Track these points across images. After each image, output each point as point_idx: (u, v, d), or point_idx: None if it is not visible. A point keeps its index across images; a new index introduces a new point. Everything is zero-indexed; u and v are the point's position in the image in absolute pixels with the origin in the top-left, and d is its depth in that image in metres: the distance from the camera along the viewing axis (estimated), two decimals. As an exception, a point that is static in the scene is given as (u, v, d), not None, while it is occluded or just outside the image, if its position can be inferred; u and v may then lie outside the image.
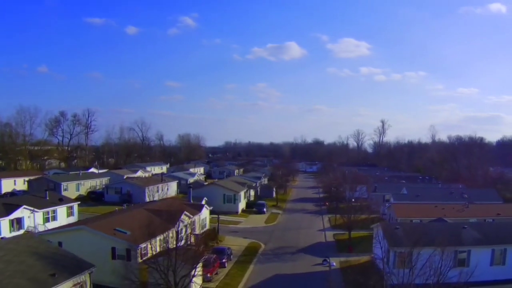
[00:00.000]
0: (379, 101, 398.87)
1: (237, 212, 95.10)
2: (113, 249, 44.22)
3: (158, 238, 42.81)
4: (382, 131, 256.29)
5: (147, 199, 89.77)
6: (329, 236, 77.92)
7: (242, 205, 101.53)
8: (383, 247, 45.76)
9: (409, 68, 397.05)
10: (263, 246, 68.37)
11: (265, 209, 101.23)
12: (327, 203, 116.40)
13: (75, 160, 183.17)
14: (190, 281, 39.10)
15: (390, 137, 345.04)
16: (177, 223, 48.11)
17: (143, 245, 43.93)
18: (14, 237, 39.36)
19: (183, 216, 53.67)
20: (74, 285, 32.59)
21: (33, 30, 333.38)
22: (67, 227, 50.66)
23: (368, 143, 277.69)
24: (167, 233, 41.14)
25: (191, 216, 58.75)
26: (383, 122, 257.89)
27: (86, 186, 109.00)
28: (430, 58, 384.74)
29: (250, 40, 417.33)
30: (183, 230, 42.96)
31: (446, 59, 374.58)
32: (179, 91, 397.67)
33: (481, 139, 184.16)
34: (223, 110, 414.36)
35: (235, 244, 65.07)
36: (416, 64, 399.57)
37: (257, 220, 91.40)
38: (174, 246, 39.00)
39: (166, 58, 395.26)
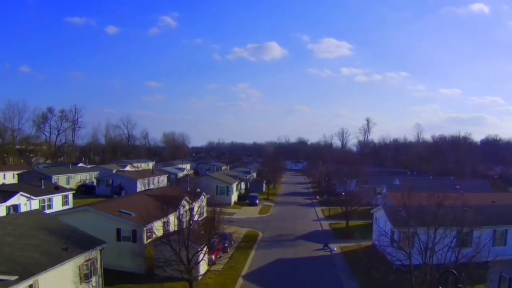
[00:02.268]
0: (360, 102, 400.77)
1: (229, 204, 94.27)
2: (118, 230, 43.71)
3: (162, 220, 42.12)
4: (367, 129, 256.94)
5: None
6: (325, 225, 77.84)
7: (234, 197, 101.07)
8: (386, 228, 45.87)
9: (390, 69, 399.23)
10: (261, 234, 68.03)
11: (257, 201, 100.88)
12: (318, 197, 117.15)
13: (61, 158, 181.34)
14: (203, 258, 38.99)
15: (374, 136, 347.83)
16: (180, 207, 47.79)
17: (148, 226, 43.39)
18: (23, 213, 38.63)
19: (183, 202, 53.11)
20: (86, 260, 31.91)
21: (14, 29, 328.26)
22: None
23: (352, 142, 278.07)
24: (177, 212, 40.86)
25: (191, 202, 58.13)
26: (368, 120, 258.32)
27: (76, 179, 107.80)
28: (412, 59, 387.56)
29: (230, 40, 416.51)
30: (184, 215, 42.31)
31: (428, 60, 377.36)
32: (160, 91, 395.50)
33: (466, 137, 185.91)
34: (204, 110, 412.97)
35: (233, 232, 64.42)
36: (398, 64, 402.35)
37: (250, 212, 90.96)
38: (187, 225, 38.95)
39: (147, 58, 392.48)
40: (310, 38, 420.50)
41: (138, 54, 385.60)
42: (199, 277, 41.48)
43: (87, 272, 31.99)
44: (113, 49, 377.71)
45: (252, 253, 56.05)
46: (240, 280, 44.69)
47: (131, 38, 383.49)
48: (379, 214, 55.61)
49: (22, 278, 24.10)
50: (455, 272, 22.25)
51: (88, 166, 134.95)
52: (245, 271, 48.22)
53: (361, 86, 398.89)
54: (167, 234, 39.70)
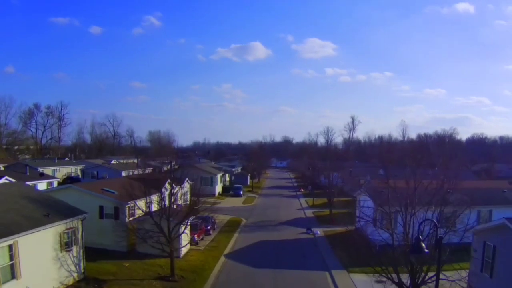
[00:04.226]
0: (345, 103, 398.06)
1: (214, 195, 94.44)
2: (101, 208, 43.79)
3: (145, 200, 42.20)
4: (352, 127, 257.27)
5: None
6: (309, 213, 78.59)
7: (218, 188, 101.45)
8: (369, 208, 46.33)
9: (374, 69, 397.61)
10: (244, 220, 68.54)
11: (241, 192, 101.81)
12: (302, 189, 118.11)
13: (47, 155, 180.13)
14: (184, 231, 39.35)
15: (360, 134, 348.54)
16: (162, 188, 48.03)
17: (130, 204, 43.63)
18: (5, 183, 38.69)
19: (166, 184, 53.34)
20: (67, 228, 31.89)
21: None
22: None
23: (337, 140, 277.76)
24: (160, 192, 41.35)
25: (174, 186, 58.34)
26: (353, 118, 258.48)
27: (62, 172, 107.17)
28: (396, 59, 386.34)
29: (214, 40, 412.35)
30: (167, 196, 42.56)
31: (412, 60, 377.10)
32: (145, 91, 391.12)
33: (451, 134, 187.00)
34: (189, 111, 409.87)
35: (216, 219, 64.69)
36: (382, 64, 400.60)
37: (234, 202, 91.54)
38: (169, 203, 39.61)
39: (132, 59, 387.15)
40: (294, 38, 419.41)
41: (123, 55, 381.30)
42: (181, 249, 41.96)
43: (67, 240, 31.96)
44: (98, 50, 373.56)
45: (235, 236, 56.49)
46: (222, 258, 45.04)
47: (115, 38, 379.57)
48: (362, 197, 56.17)
49: (1, 236, 24.15)
50: (435, 222, 22.58)
51: (74, 161, 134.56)
52: (227, 250, 48.62)
53: (346, 86, 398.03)
54: (150, 212, 40.00)
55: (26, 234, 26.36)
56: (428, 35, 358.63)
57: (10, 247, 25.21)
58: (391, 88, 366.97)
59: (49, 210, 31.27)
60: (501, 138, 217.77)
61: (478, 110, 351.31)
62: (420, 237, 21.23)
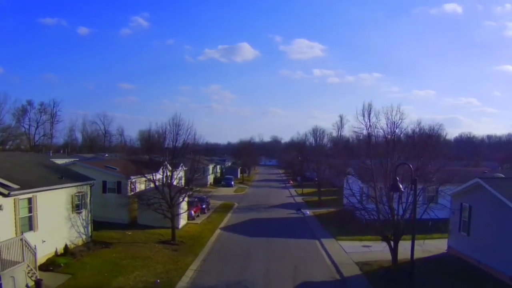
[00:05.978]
0: (333, 104, 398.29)
1: (206, 185, 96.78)
2: (104, 183, 46.29)
3: (145, 178, 44.72)
4: (341, 125, 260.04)
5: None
6: (298, 199, 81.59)
7: (210, 179, 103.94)
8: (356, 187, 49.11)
9: (363, 70, 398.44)
10: (236, 204, 71.30)
11: (232, 182, 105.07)
12: (291, 181, 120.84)
13: (40, 152, 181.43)
14: (183, 199, 42.09)
15: (348, 133, 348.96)
16: (160, 169, 50.63)
17: (132, 179, 46.23)
18: (19, 152, 41.09)
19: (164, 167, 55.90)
20: (78, 192, 34.55)
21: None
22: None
23: (327, 138, 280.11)
24: (159, 171, 43.89)
25: (171, 169, 60.91)
26: (341, 116, 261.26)
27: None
28: (384, 60, 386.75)
29: (201, 41, 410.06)
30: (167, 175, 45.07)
31: (401, 61, 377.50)
32: (133, 92, 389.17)
33: (438, 130, 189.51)
34: (177, 112, 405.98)
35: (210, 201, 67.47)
36: (370, 65, 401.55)
37: (226, 191, 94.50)
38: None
39: (120, 59, 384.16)
40: (282, 38, 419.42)
41: (111, 56, 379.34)
42: (180, 219, 44.78)
43: (78, 203, 34.62)
44: (86, 51, 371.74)
45: (228, 215, 59.44)
46: (218, 230, 47.84)
47: (103, 39, 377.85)
48: (349, 176, 58.88)
49: (23, 188, 26.65)
50: (410, 165, 25.04)
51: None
52: (222, 225, 51.69)
53: (334, 87, 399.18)
54: (153, 179, 42.60)
55: (43, 190, 29.07)
56: (416, 36, 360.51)
57: (30, 200, 27.78)
58: (380, 89, 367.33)
59: (62, 174, 33.99)
60: (489, 137, 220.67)
61: (467, 111, 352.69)
62: (397, 178, 23.95)
